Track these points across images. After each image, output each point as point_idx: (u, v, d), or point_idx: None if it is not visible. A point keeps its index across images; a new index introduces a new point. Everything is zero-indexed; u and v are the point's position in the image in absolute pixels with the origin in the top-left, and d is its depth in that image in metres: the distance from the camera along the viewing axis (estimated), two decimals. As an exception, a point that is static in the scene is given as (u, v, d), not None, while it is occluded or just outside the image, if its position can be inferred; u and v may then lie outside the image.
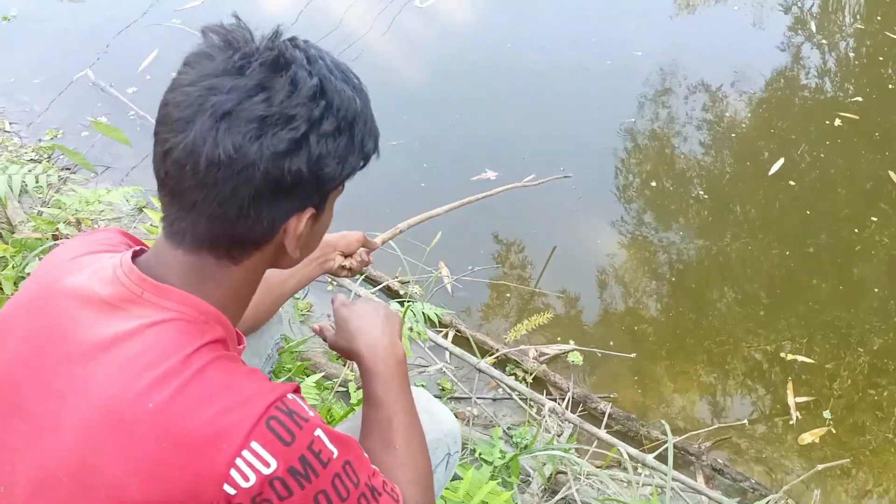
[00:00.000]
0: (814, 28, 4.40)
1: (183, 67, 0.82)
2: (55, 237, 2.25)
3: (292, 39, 0.84)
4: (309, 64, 0.81)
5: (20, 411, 0.84)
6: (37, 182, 2.38)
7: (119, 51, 3.86)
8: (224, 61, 0.79)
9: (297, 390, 0.85)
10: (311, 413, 0.83)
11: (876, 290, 3.06)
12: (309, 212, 0.86)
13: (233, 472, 0.76)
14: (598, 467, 2.18)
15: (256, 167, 0.78)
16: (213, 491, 0.76)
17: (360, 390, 2.09)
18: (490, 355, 2.67)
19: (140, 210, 2.96)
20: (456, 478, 1.68)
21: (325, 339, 1.18)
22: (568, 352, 2.77)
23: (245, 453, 0.77)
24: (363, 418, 1.06)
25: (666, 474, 2.09)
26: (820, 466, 2.32)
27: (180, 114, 0.79)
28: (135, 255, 0.88)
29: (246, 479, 0.76)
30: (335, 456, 0.82)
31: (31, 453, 0.82)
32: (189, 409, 0.77)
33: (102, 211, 2.54)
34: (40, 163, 3.01)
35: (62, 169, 3.09)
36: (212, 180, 0.79)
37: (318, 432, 0.82)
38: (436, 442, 1.21)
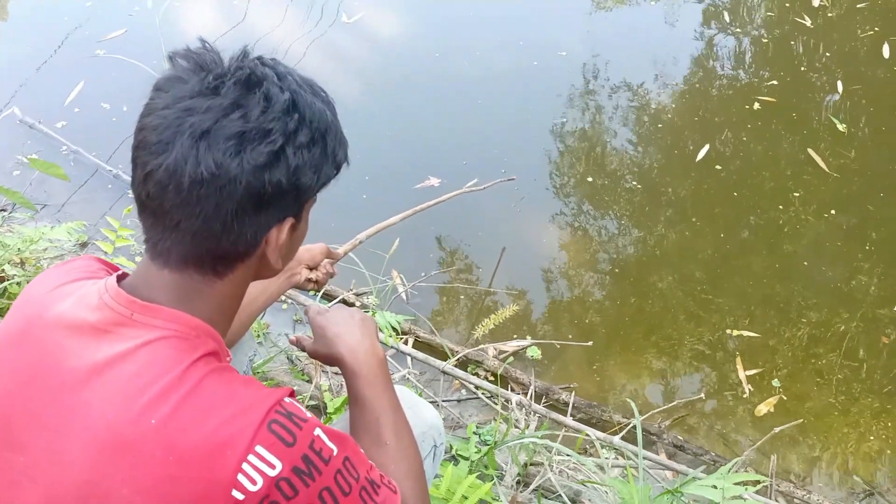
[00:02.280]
0: (727, 18, 4.60)
1: (154, 92, 0.85)
2: (0, 279, 2.20)
3: (260, 58, 0.87)
4: (279, 80, 0.85)
5: (15, 445, 0.84)
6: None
7: (42, 85, 3.76)
8: (198, 83, 0.82)
9: (292, 394, 0.88)
10: (309, 414, 0.86)
11: (805, 263, 3.22)
12: (289, 222, 0.89)
13: (240, 477, 0.78)
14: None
15: (238, 182, 0.81)
16: (222, 498, 0.78)
17: (336, 399, 2.11)
18: (452, 357, 2.71)
19: (83, 246, 2.91)
20: (435, 476, 1.72)
21: (303, 349, 1.20)
22: (526, 347, 2.83)
23: (251, 458, 0.79)
24: (351, 420, 1.08)
25: (633, 454, 2.17)
26: (777, 429, 2.43)
27: (159, 136, 0.81)
28: (118, 280, 0.90)
29: (253, 482, 0.79)
30: (335, 453, 0.85)
31: (32, 485, 0.83)
32: (192, 422, 0.79)
33: (46, 249, 2.48)
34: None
35: (-4, 210, 3.02)
36: (195, 198, 0.81)
37: (318, 431, 0.85)
38: (422, 435, 1.24)
